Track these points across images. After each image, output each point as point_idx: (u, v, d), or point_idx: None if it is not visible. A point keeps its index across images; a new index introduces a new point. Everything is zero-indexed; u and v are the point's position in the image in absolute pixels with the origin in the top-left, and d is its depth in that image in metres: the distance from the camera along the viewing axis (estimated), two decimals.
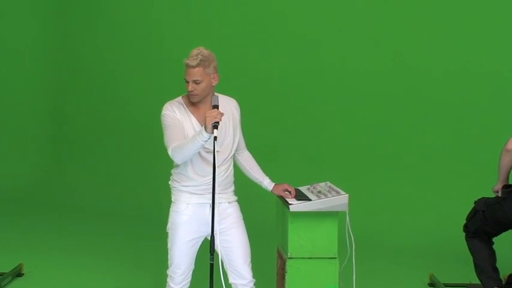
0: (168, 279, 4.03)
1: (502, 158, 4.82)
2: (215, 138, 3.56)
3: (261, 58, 8.36)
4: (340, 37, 7.99)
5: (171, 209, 3.99)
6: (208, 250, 3.49)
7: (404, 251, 6.99)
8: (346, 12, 7.98)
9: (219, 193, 3.83)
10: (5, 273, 5.76)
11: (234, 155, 4.04)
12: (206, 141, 3.64)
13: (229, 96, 4.05)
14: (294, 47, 8.22)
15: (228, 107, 3.95)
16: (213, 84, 3.85)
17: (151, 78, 9.06)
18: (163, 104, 3.92)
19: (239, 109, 4.04)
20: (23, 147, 9.88)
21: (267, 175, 4.22)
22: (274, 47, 8.32)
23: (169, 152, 3.79)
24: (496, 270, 5.02)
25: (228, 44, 8.31)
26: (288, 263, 4.33)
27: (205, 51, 3.79)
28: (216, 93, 3.89)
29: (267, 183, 4.20)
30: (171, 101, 3.92)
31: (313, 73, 8.14)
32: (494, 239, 5.12)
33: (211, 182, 3.60)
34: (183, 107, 3.88)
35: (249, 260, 4.01)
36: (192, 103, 3.87)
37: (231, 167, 4.01)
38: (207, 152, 3.81)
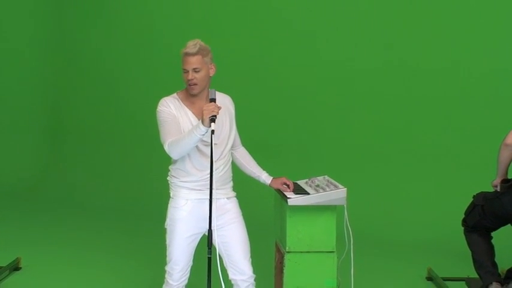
0: (166, 276, 4.00)
1: (501, 152, 4.80)
2: (212, 131, 3.54)
3: (258, 54, 8.36)
4: (338, 33, 7.99)
5: (169, 205, 3.97)
6: (207, 246, 3.47)
7: (403, 245, 6.99)
8: (343, 9, 7.97)
9: (217, 189, 3.84)
10: (2, 267, 5.76)
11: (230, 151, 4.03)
12: (203, 134, 3.61)
13: (225, 93, 4.04)
14: (290, 43, 8.22)
15: (223, 100, 3.94)
16: (211, 75, 3.84)
17: (149, 74, 9.06)
18: (161, 99, 3.90)
19: (234, 105, 4.04)
20: (22, 142, 9.88)
21: (264, 169, 4.21)
22: (271, 42, 8.31)
23: (166, 148, 3.76)
24: (494, 264, 5.02)
25: (225, 40, 8.29)
26: (286, 257, 4.33)
27: (202, 42, 3.79)
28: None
29: (265, 177, 4.19)
30: (166, 97, 3.90)
31: (310, 69, 8.14)
32: (493, 234, 5.12)
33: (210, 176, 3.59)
34: (179, 102, 3.85)
35: (249, 255, 4.00)
36: (188, 98, 3.85)
37: (229, 163, 3.99)
38: (205, 145, 3.78)
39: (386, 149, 7.75)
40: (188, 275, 4.01)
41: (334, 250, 4.33)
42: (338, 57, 7.99)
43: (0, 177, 9.58)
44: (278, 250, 4.61)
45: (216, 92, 3.90)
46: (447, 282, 5.54)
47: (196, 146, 3.78)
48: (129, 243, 6.95)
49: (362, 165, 7.79)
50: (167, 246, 3.96)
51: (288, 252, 4.33)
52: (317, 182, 4.45)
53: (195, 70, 3.75)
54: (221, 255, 3.93)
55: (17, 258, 6.01)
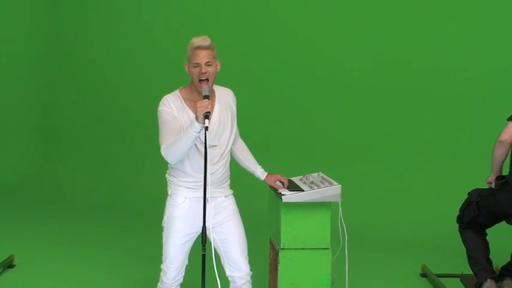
0: (161, 274, 4.00)
1: (495, 149, 4.80)
2: (206, 128, 3.52)
3: (255, 53, 8.35)
4: (334, 31, 7.99)
5: (167, 203, 3.95)
6: (201, 243, 3.46)
7: (397, 242, 6.99)
8: (340, 7, 7.95)
9: (215, 187, 3.83)
10: None
11: None
12: (199, 132, 3.58)
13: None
14: (287, 42, 8.22)
15: (226, 98, 3.91)
16: (217, 71, 3.78)
17: (143, 73, 9.04)
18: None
19: (235, 100, 4.00)
20: (16, 141, 9.85)
21: (260, 164, 4.20)
22: (267, 41, 8.31)
23: (162, 152, 3.73)
24: (489, 261, 5.02)
25: (222, 37, 8.19)
26: (281, 253, 4.32)
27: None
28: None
29: (260, 173, 4.18)
30: (168, 95, 3.82)
31: (306, 67, 8.14)
32: (488, 230, 5.12)
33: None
34: (181, 101, 3.79)
35: (246, 252, 3.99)
36: (191, 96, 3.77)
37: (228, 162, 3.97)
38: (204, 146, 3.73)
39: (381, 146, 7.76)
40: (183, 273, 4.00)
41: (329, 247, 4.33)
42: (334, 56, 7.99)
43: None
44: (272, 247, 4.60)
45: (218, 87, 3.88)
46: (441, 279, 5.55)
47: (196, 147, 3.74)
48: (124, 241, 6.93)
49: (357, 162, 7.79)
50: (163, 244, 3.95)
51: (283, 249, 4.32)
52: (311, 179, 4.44)
53: (208, 64, 3.69)
54: (218, 252, 3.93)
55: (11, 255, 6.00)
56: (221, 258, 3.95)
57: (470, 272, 5.15)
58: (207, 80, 3.69)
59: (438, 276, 5.62)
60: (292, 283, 4.33)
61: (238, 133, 4.12)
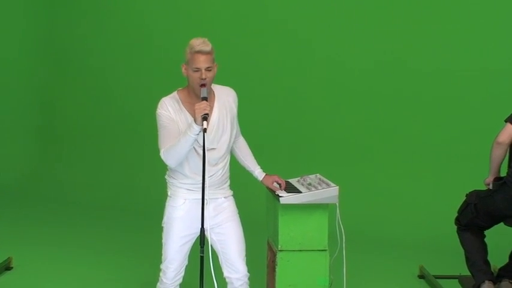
0: (160, 274, 4.00)
1: (493, 150, 4.80)
2: (204, 130, 3.52)
3: (252, 53, 8.34)
4: (333, 32, 7.97)
5: (167, 204, 3.95)
6: (199, 245, 3.47)
7: (395, 243, 6.99)
8: (339, 7, 7.95)
9: (215, 189, 3.84)
10: None
11: None
12: (197, 134, 3.58)
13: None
14: (283, 43, 8.20)
15: (226, 98, 3.89)
16: (214, 73, 3.76)
17: (140, 73, 9.03)
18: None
19: (236, 98, 3.96)
20: (13, 141, 9.83)
21: (258, 164, 4.19)
22: (264, 42, 8.29)
23: (162, 156, 3.72)
24: (487, 263, 5.02)
25: (221, 38, 8.20)
26: (279, 255, 4.32)
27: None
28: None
29: (258, 173, 4.17)
30: (166, 98, 3.80)
31: (303, 68, 8.13)
32: (486, 232, 5.12)
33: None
34: (178, 103, 3.77)
35: (244, 254, 3.99)
36: (189, 99, 3.76)
37: (228, 163, 3.96)
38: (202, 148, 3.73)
39: (378, 147, 7.75)
40: (183, 274, 4.01)
41: (327, 248, 4.33)
42: (330, 57, 7.97)
43: None
44: (270, 249, 4.60)
45: (219, 86, 3.87)
46: (439, 280, 5.55)
47: (194, 149, 3.74)
48: (123, 242, 6.93)
49: (354, 163, 7.78)
50: (163, 244, 3.95)
51: (280, 250, 4.32)
52: (309, 181, 4.44)
53: (208, 69, 3.66)
54: (217, 252, 3.93)
55: (9, 257, 5.97)
56: (219, 258, 3.95)
57: (468, 274, 5.15)
58: (205, 85, 3.67)
59: (436, 278, 5.62)
60: (290, 285, 4.33)
61: (239, 131, 4.09)
